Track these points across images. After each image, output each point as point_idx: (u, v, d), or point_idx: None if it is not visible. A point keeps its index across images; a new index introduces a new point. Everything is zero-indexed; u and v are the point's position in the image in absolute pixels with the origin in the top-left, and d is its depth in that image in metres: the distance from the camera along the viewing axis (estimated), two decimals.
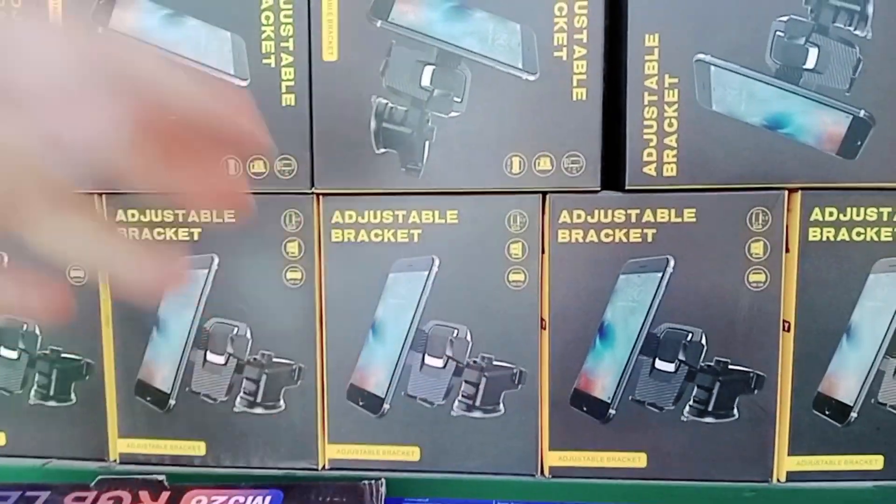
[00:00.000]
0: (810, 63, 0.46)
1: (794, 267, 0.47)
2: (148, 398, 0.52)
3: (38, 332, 0.52)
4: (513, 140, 0.47)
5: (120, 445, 0.53)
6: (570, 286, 0.48)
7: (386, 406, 0.50)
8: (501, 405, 0.50)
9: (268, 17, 0.47)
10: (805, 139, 0.46)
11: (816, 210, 0.47)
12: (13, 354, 0.52)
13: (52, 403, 0.52)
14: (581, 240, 0.48)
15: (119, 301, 0.51)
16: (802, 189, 0.47)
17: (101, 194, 0.50)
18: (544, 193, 0.48)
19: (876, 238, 0.47)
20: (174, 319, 0.51)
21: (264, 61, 0.48)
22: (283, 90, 0.48)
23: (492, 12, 0.46)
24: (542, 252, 0.48)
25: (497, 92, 0.47)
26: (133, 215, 0.50)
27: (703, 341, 0.48)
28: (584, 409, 0.50)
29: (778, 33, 0.46)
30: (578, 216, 0.48)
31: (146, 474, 0.50)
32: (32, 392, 0.52)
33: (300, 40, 0.48)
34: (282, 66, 0.48)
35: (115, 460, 0.53)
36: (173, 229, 0.50)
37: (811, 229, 0.47)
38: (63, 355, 0.52)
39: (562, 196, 0.48)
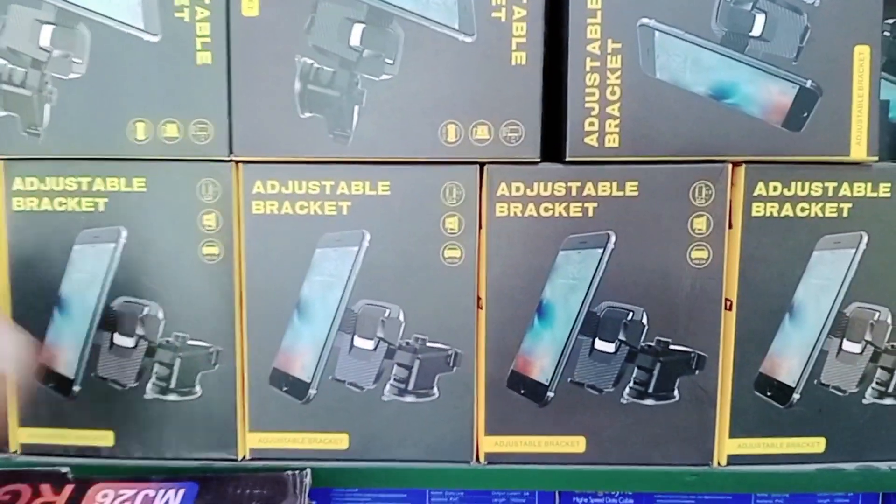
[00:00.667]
0: (757, 30, 0.44)
1: (736, 243, 0.46)
2: (50, 384, 0.47)
3: None
4: (448, 106, 0.44)
5: (20, 435, 0.48)
6: (508, 263, 0.46)
7: (312, 391, 0.47)
8: (435, 389, 0.47)
9: None
10: (750, 110, 0.44)
11: (760, 184, 0.45)
12: None
13: None
14: (520, 214, 0.45)
15: (17, 278, 0.47)
16: (746, 162, 0.45)
17: None
18: (482, 164, 0.45)
19: (821, 214, 0.46)
20: (77, 299, 0.46)
21: (177, 15, 0.44)
22: (199, 47, 0.44)
23: None
24: (479, 227, 0.46)
25: (432, 54, 0.44)
26: (32, 183, 0.46)
27: (644, 320, 0.46)
28: (522, 391, 0.47)
29: None
30: (517, 189, 0.45)
31: (49, 466, 0.46)
32: None
33: None
34: (197, 21, 0.44)
35: (15, 451, 0.48)
36: (76, 199, 0.46)
37: (755, 204, 0.46)
38: None
39: (500, 167, 0.45)
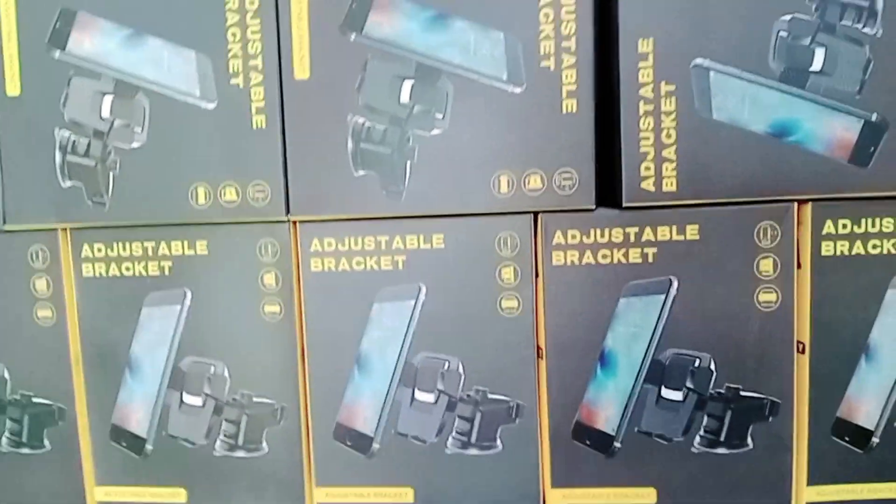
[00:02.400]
0: (817, 65, 0.42)
1: (806, 284, 0.44)
2: (123, 443, 0.49)
3: (6, 375, 0.49)
4: (500, 158, 0.44)
5: (97, 494, 0.50)
6: (568, 312, 0.45)
7: (376, 445, 0.47)
8: (499, 441, 0.47)
9: (234, 34, 0.44)
10: (814, 147, 0.43)
11: (829, 223, 0.44)
12: None
13: (25, 451, 0.49)
14: (577, 262, 0.45)
15: (88, 342, 0.48)
16: (813, 200, 0.44)
17: (65, 229, 0.47)
18: (536, 214, 0.45)
19: (893, 250, 0.44)
20: (147, 359, 0.48)
21: (232, 81, 0.45)
22: (254, 112, 0.45)
23: (473, 21, 0.43)
24: (536, 276, 0.45)
25: (481, 106, 0.44)
26: (100, 250, 0.47)
27: (712, 367, 0.45)
28: (588, 442, 0.46)
29: (781, 34, 0.42)
30: (573, 236, 0.45)
31: None
32: (4, 440, 0.49)
33: (269, 58, 0.44)
34: (251, 87, 0.45)
35: None
36: (142, 263, 0.47)
37: (824, 243, 0.44)
38: (34, 400, 0.49)
39: (555, 216, 0.45)
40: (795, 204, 0.44)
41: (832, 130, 0.43)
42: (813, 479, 0.46)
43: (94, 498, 0.50)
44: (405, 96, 0.44)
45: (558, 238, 0.45)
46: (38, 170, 0.46)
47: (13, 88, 0.46)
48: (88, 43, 0.45)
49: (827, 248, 0.44)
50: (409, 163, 0.44)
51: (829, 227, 0.44)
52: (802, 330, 0.45)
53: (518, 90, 0.44)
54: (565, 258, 0.45)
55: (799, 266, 0.44)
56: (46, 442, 0.49)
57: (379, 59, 0.44)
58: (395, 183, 0.45)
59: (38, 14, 0.45)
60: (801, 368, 0.45)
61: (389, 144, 0.44)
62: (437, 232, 0.45)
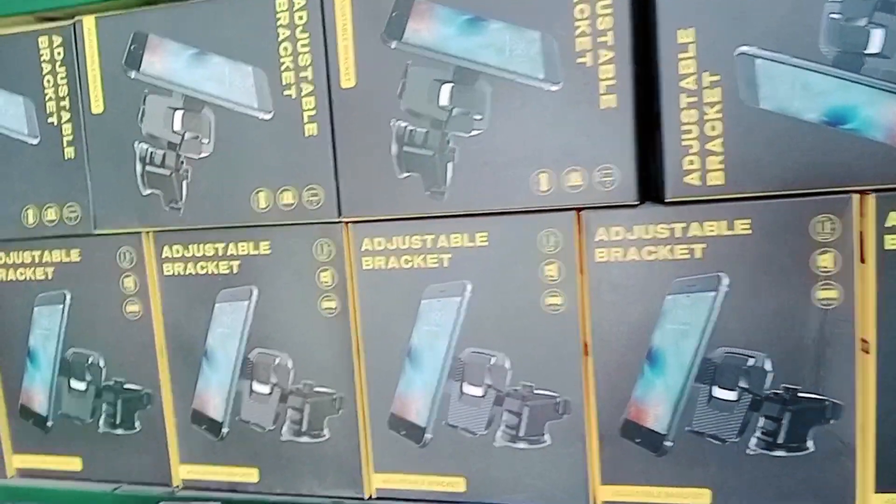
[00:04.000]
0: (874, 47, 0.40)
1: (871, 280, 0.41)
2: (203, 426, 0.53)
3: (101, 364, 0.54)
4: (539, 156, 0.44)
5: (181, 471, 0.54)
6: (613, 308, 0.45)
7: (428, 436, 0.49)
8: (547, 436, 0.47)
9: (286, 49, 0.47)
10: (873, 134, 0.40)
11: (893, 214, 0.41)
12: (82, 386, 0.55)
13: (119, 431, 0.55)
14: (621, 258, 0.44)
15: (170, 334, 0.53)
16: (875, 191, 0.41)
17: (148, 232, 0.52)
18: (578, 210, 0.45)
19: None
20: (221, 350, 0.52)
21: (286, 93, 0.48)
22: (306, 120, 0.47)
23: (508, 22, 0.43)
24: (581, 272, 0.45)
25: (519, 106, 0.44)
26: (178, 251, 0.52)
27: (767, 367, 0.43)
28: (637, 440, 0.46)
29: (832, 16, 0.40)
30: (616, 233, 0.44)
31: (205, 500, 0.52)
32: (101, 421, 0.55)
33: (318, 69, 0.47)
34: (303, 97, 0.47)
35: (178, 486, 0.55)
36: (214, 263, 0.51)
37: (888, 237, 0.41)
38: (125, 386, 0.54)
39: (596, 212, 0.44)
40: (856, 195, 0.41)
41: (894, 116, 0.40)
42: (881, 487, 0.43)
43: (179, 475, 0.54)
44: (444, 100, 0.45)
45: (601, 234, 0.44)
46: (121, 179, 0.51)
47: (97, 107, 0.51)
48: (159, 63, 0.49)
49: (891, 242, 0.41)
50: (449, 164, 0.45)
51: (893, 219, 0.41)
52: (867, 328, 0.42)
53: (555, 88, 0.43)
54: (609, 255, 0.44)
55: (863, 261, 0.42)
56: (137, 423, 0.55)
57: (418, 65, 0.45)
58: (437, 184, 0.46)
59: (115, 38, 0.50)
60: (867, 369, 0.42)
61: (430, 147, 0.46)
62: (480, 230, 0.46)
